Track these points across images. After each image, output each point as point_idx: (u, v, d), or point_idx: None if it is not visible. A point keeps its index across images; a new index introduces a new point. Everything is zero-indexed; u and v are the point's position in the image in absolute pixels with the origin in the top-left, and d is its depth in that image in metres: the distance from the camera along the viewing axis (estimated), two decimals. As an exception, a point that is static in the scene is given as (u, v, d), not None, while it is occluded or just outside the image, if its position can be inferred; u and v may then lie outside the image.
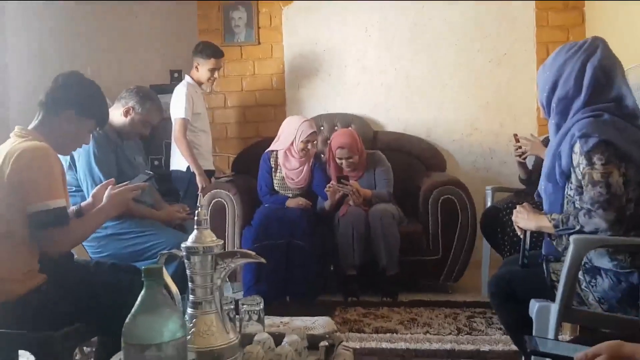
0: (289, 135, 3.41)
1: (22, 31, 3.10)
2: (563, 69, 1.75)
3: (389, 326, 2.72)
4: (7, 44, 3.01)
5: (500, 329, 2.59)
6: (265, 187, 3.45)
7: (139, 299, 0.94)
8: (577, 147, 1.66)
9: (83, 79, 1.88)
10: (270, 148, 3.51)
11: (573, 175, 1.70)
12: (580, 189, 1.68)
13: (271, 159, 3.47)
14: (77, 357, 2.38)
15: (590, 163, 1.61)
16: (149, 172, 2.34)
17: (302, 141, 3.34)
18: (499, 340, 2.47)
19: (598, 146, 1.60)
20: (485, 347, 2.41)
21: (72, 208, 1.97)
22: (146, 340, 0.91)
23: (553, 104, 1.77)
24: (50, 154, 1.69)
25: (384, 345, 2.47)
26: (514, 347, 2.25)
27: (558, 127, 1.78)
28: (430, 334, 2.60)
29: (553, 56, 1.82)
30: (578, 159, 1.65)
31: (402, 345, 2.46)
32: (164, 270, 1.28)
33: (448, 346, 2.43)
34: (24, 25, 3.06)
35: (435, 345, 2.45)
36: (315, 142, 3.46)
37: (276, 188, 3.47)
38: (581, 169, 1.65)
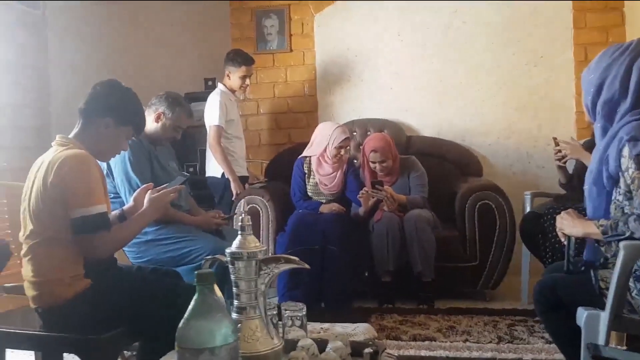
0: (322, 141, 3.40)
1: (62, 40, 3.19)
2: (608, 72, 1.71)
3: (427, 334, 2.68)
4: (48, 53, 3.09)
5: (543, 337, 2.53)
6: (299, 193, 3.45)
7: (192, 303, 0.95)
8: (625, 151, 1.61)
9: (120, 87, 1.91)
10: (304, 154, 3.51)
11: (622, 180, 1.65)
12: (629, 194, 1.63)
13: (304, 165, 3.47)
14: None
15: None
16: (185, 173, 2.36)
17: (335, 147, 3.33)
18: (542, 349, 2.41)
19: None
20: (528, 356, 2.35)
21: (115, 212, 2.00)
22: (200, 344, 0.91)
23: (598, 107, 1.73)
24: (90, 161, 1.73)
25: (423, 353, 2.43)
26: (557, 356, 2.20)
27: (604, 130, 1.73)
28: (469, 342, 2.55)
29: (597, 59, 1.78)
30: (627, 162, 1.61)
31: (441, 353, 2.42)
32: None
33: (489, 354, 2.38)
34: (64, 34, 3.14)
35: (475, 354, 2.40)
36: (348, 147, 3.45)
37: (309, 194, 3.47)
38: (630, 173, 1.60)
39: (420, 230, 3.14)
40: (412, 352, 2.44)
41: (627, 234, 1.60)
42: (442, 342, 2.56)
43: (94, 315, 1.66)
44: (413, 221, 3.15)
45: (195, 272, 0.96)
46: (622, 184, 1.65)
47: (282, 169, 3.82)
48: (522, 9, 3.93)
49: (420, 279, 3.15)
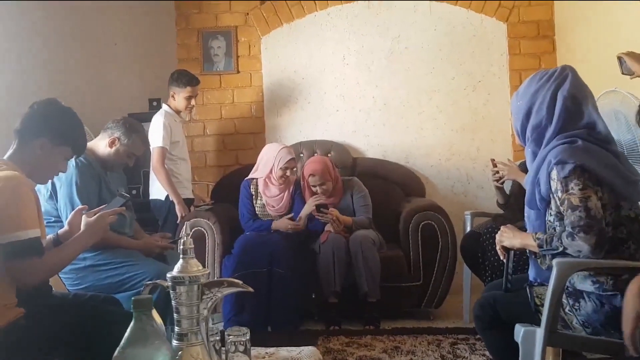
0: (267, 163, 3.41)
1: (0, 58, 3.07)
2: (535, 98, 1.80)
3: (372, 355, 2.69)
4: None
5: (484, 355, 2.59)
6: (248, 214, 3.42)
7: (128, 330, 0.92)
8: (554, 174, 1.69)
9: (59, 106, 1.86)
10: (250, 176, 3.50)
11: (552, 202, 1.74)
12: (559, 215, 1.72)
13: (251, 187, 3.46)
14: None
15: (568, 188, 1.64)
16: (125, 194, 2.31)
17: (280, 168, 3.34)
18: (483, 366, 2.47)
19: (574, 172, 1.64)
20: (470, 373, 2.40)
21: (49, 237, 1.93)
22: (135, 373, 0.88)
23: (528, 133, 1.82)
24: (22, 183, 1.66)
25: (369, 373, 2.44)
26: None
27: (534, 154, 1.82)
28: (414, 361, 2.58)
29: (525, 85, 1.87)
30: (556, 185, 1.69)
31: (386, 373, 2.44)
32: (149, 301, 1.27)
33: (433, 373, 2.42)
34: (2, 51, 3.03)
35: (420, 373, 2.43)
36: (294, 168, 3.46)
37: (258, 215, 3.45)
38: (560, 195, 1.68)
39: (366, 250, 3.17)
40: (358, 374, 2.45)
41: (560, 249, 1.68)
42: (388, 362, 2.58)
43: (28, 345, 1.58)
44: (359, 242, 3.19)
45: (132, 298, 0.94)
46: (553, 205, 1.73)
47: (229, 190, 3.79)
48: (462, 35, 4.10)
49: (366, 299, 3.18)
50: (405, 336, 2.95)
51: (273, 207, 3.42)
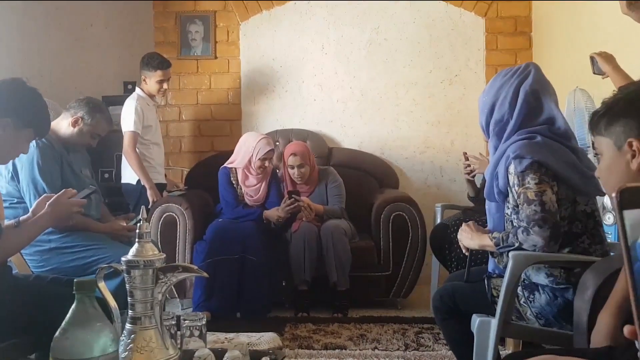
0: (246, 154, 3.38)
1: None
2: (499, 93, 1.83)
3: (338, 342, 2.72)
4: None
5: (446, 344, 2.63)
6: (234, 201, 3.36)
7: (70, 312, 0.92)
8: (512, 168, 1.73)
9: (24, 87, 1.82)
10: (228, 165, 3.46)
11: (510, 195, 1.77)
12: (516, 208, 1.75)
13: (231, 176, 3.44)
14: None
15: (525, 183, 1.68)
16: (92, 186, 2.29)
17: (259, 159, 3.33)
18: (445, 356, 2.51)
19: (531, 166, 1.67)
20: (432, 362, 2.45)
21: (12, 222, 1.91)
22: (76, 355, 0.89)
23: (491, 127, 1.85)
24: None
25: (333, 361, 2.47)
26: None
27: (495, 148, 1.85)
28: (378, 349, 2.62)
29: (492, 81, 1.91)
30: (513, 179, 1.72)
31: (350, 361, 2.48)
32: (103, 284, 1.27)
33: (395, 361, 2.46)
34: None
35: (382, 361, 2.47)
36: (272, 159, 3.45)
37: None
38: (516, 189, 1.72)
39: (337, 240, 3.19)
40: (322, 361, 2.48)
41: (516, 244, 1.71)
42: (352, 350, 2.61)
43: (-17, 326, 1.57)
44: (330, 231, 3.21)
45: (75, 280, 0.94)
46: (510, 198, 1.77)
47: (203, 177, 3.78)
48: (441, 28, 4.12)
49: (335, 288, 3.21)
50: (371, 324, 2.99)
51: (251, 196, 3.41)
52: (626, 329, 0.75)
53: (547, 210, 1.64)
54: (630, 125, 1.08)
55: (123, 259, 1.25)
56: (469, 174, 3.02)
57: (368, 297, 3.39)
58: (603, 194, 1.91)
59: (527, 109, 1.77)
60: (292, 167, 3.39)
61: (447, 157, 4.11)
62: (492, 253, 1.86)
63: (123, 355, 1.12)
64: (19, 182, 2.30)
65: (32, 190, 2.27)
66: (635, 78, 2.04)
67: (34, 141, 1.99)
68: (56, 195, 1.84)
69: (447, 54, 4.13)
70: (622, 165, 1.08)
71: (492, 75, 3.97)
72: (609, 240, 1.87)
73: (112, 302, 1.27)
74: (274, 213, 3.30)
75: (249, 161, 3.36)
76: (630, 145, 1.06)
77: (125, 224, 2.52)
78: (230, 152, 3.53)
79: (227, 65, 4.23)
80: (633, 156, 1.06)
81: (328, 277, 3.20)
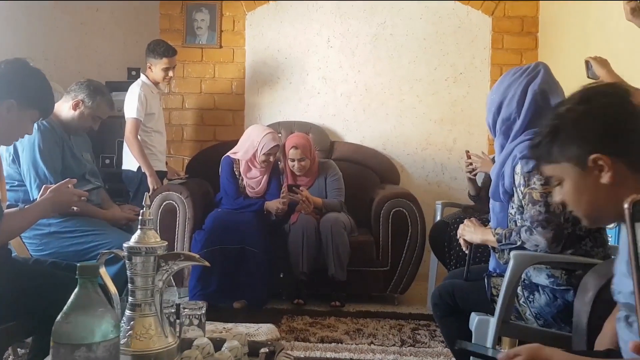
0: (250, 147, 3.36)
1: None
2: (507, 92, 1.82)
3: (334, 336, 2.72)
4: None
5: (443, 341, 2.64)
6: (235, 192, 3.36)
7: (72, 297, 0.92)
8: (518, 168, 1.72)
9: (27, 67, 1.80)
10: (233, 156, 3.44)
11: (515, 195, 1.77)
12: (521, 209, 1.75)
13: (234, 167, 3.43)
14: (10, 359, 2.29)
15: (530, 183, 1.67)
16: (98, 183, 2.28)
17: (264, 154, 3.32)
18: (440, 353, 2.52)
19: (538, 167, 1.66)
20: (428, 359, 2.45)
21: (15, 210, 1.90)
22: (77, 339, 0.88)
23: (498, 125, 1.84)
24: None
25: (329, 354, 2.47)
26: (454, 360, 2.30)
27: (502, 147, 1.85)
28: (374, 344, 2.62)
29: (500, 79, 1.90)
30: (519, 179, 1.72)
31: (346, 355, 2.48)
32: (104, 270, 1.27)
33: (391, 357, 2.46)
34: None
35: (378, 356, 2.47)
36: (276, 154, 3.44)
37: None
38: (522, 189, 1.71)
39: (336, 234, 3.19)
40: (318, 354, 2.48)
41: (518, 243, 1.71)
42: (348, 344, 2.61)
43: (-20, 308, 1.57)
44: (329, 225, 3.21)
45: (78, 264, 0.94)
46: (515, 198, 1.76)
47: (204, 166, 3.77)
48: (447, 25, 4.10)
49: (333, 279, 3.21)
50: (368, 319, 2.99)
51: (252, 188, 3.41)
52: (631, 344, 0.75)
53: (552, 212, 1.64)
54: (585, 142, 1.07)
55: (125, 245, 1.25)
56: (470, 172, 3.01)
57: (365, 291, 3.40)
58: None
59: (534, 109, 1.76)
60: (293, 160, 3.38)
61: (449, 154, 4.11)
62: (493, 248, 1.86)
63: (122, 342, 1.12)
64: (19, 165, 2.29)
65: (33, 173, 2.26)
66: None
67: (35, 124, 1.98)
68: (58, 184, 1.83)
69: (453, 52, 4.11)
70: (591, 183, 1.07)
71: (497, 74, 4.02)
72: (610, 244, 1.87)
73: (113, 288, 1.26)
74: (274, 204, 3.30)
75: (254, 155, 3.35)
76: (595, 161, 1.04)
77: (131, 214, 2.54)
78: (233, 143, 3.52)
79: (232, 55, 4.21)
80: (601, 170, 1.05)
81: (326, 270, 3.19)
